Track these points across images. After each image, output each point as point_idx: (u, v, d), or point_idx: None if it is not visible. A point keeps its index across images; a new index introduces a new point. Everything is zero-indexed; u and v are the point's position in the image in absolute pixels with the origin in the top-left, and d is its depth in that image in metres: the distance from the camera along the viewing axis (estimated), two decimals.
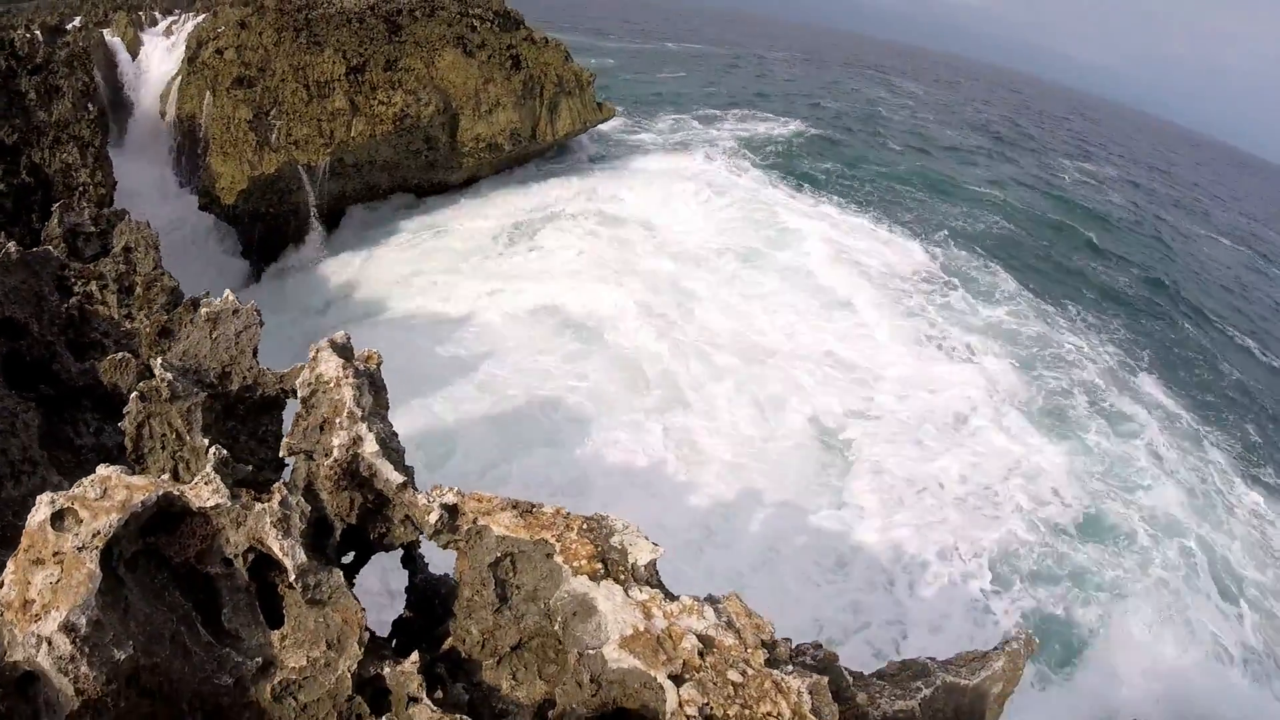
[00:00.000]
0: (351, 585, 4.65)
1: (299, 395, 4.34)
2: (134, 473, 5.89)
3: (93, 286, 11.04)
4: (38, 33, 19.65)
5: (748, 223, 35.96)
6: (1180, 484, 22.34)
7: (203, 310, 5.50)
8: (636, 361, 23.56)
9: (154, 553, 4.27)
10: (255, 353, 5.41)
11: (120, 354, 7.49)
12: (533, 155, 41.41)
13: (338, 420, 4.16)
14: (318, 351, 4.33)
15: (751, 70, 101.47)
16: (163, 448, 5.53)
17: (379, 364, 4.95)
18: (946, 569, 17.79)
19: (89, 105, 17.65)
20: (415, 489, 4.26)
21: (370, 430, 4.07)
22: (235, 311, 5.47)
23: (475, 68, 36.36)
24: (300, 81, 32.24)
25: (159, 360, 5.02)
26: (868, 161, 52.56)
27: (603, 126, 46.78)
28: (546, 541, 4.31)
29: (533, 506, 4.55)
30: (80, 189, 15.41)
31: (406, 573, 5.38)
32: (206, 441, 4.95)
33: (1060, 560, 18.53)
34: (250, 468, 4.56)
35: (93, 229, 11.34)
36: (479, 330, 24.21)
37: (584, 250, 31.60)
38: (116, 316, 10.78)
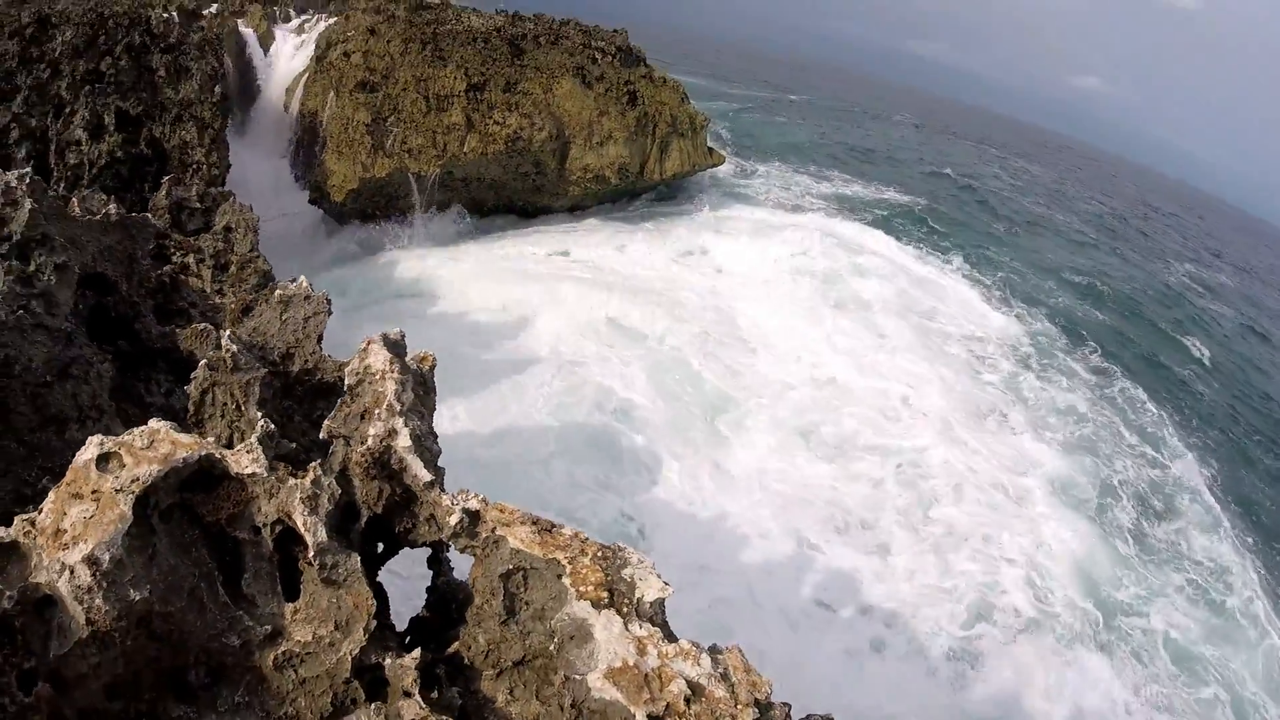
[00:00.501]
0: (375, 575, 4.83)
1: (346, 383, 4.56)
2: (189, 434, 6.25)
3: (190, 259, 11.65)
4: (175, 14, 20.80)
5: (829, 279, 35.90)
6: None
7: (277, 292, 5.81)
8: (705, 392, 23.72)
9: (189, 509, 4.50)
10: (320, 339, 5.68)
11: (203, 325, 7.90)
12: (639, 191, 42.02)
13: (377, 411, 4.35)
14: (369, 344, 4.56)
15: (867, 130, 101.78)
16: (221, 416, 5.84)
17: (432, 366, 5.17)
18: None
19: (214, 89, 18.59)
20: (442, 489, 4.42)
21: (406, 425, 4.25)
22: (306, 297, 5.76)
23: (592, 99, 37.16)
24: (421, 93, 33.44)
25: (228, 332, 5.31)
26: (970, 231, 52.17)
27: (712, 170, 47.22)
28: (559, 562, 4.42)
29: (553, 526, 4.66)
30: (194, 166, 16.24)
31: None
32: (260, 414, 5.20)
33: None
34: (295, 445, 4.79)
35: (198, 205, 11.96)
36: (550, 346, 24.61)
37: (669, 284, 31.87)
38: (208, 290, 11.35)
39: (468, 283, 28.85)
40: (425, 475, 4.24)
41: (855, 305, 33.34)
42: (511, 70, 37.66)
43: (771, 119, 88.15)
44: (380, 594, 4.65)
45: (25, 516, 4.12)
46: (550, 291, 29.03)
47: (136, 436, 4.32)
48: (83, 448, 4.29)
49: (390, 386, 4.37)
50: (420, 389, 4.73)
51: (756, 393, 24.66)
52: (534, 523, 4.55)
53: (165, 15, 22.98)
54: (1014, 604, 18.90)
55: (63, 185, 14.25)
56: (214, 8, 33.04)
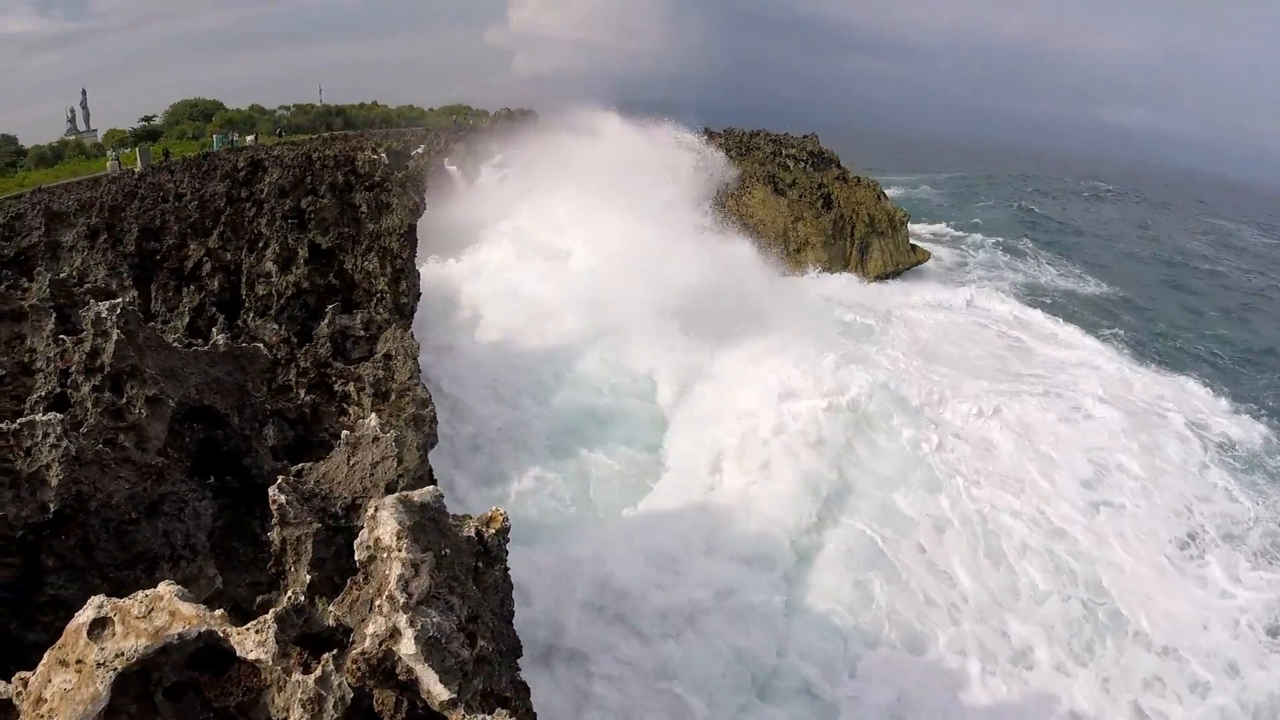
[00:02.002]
0: None
1: (356, 558, 3.75)
2: (267, 589, 5.64)
3: (350, 387, 11.59)
4: (383, 155, 22.06)
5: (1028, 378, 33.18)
6: None
7: (344, 434, 5.19)
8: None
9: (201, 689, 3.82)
10: (389, 488, 4.96)
11: (309, 465, 7.51)
12: None
13: (378, 602, 3.49)
14: (376, 510, 3.73)
15: (1063, 205, 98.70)
16: (294, 567, 5.22)
17: (502, 530, 4.30)
18: None
19: (410, 222, 19.32)
20: (472, 709, 3.38)
21: (414, 624, 3.33)
22: (375, 440, 5.09)
23: (785, 205, 36.85)
24: None
25: (280, 480, 4.69)
26: (1177, 326, 46.92)
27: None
28: None
29: None
30: (378, 295, 16.65)
31: None
32: (309, 579, 4.50)
33: None
34: (331, 620, 4.00)
35: (362, 333, 12.00)
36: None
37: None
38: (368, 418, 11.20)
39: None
40: (442, 692, 3.26)
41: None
42: None
43: (968, 204, 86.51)
44: None
45: (22, 675, 3.73)
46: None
47: (137, 602, 3.71)
48: (83, 607, 3.75)
49: (394, 570, 3.49)
50: (463, 566, 3.84)
51: None
52: None
53: (374, 156, 24.58)
54: None
55: (251, 315, 14.91)
56: (421, 148, 35.45)
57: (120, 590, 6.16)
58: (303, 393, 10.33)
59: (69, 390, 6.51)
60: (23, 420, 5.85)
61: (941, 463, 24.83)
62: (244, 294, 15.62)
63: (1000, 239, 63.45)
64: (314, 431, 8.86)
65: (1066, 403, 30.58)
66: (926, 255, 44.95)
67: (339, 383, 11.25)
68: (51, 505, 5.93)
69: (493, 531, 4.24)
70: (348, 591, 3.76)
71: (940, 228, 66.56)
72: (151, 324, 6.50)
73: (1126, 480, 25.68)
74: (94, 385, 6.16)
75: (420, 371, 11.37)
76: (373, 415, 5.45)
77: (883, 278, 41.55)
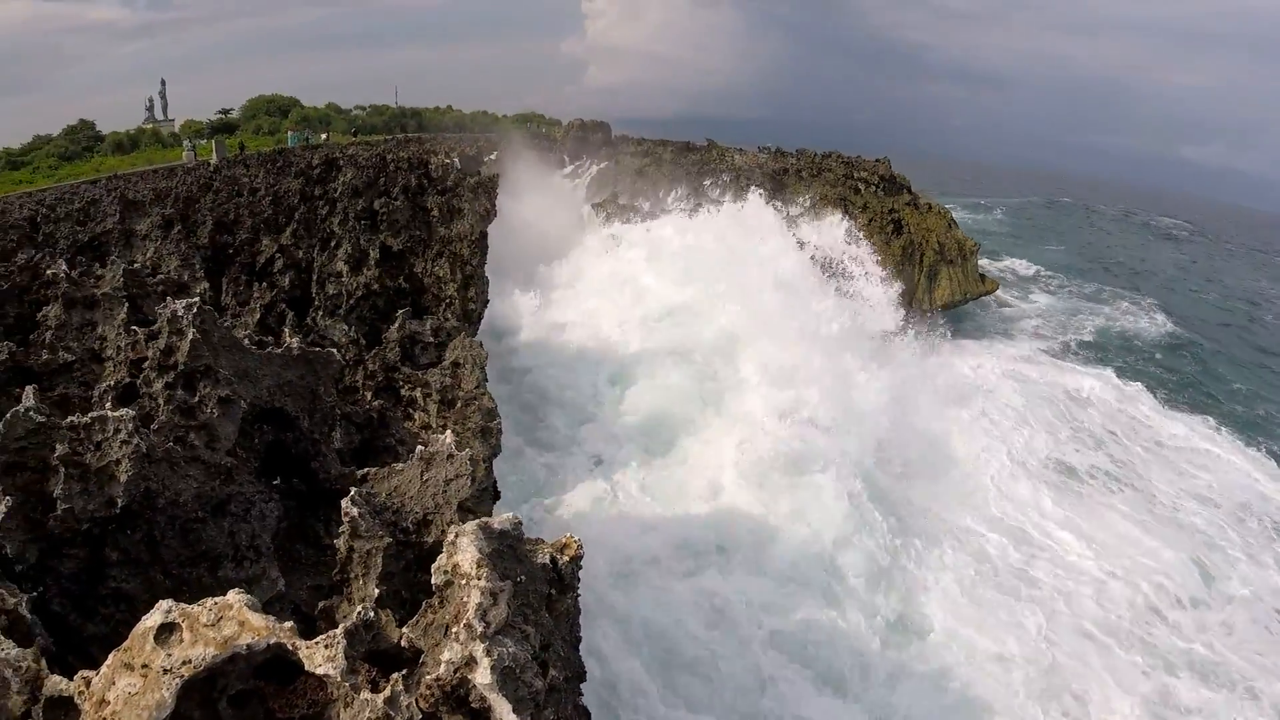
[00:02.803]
0: None
1: (433, 581, 3.64)
2: (328, 594, 5.59)
3: (418, 392, 11.60)
4: (455, 159, 22.29)
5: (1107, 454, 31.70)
6: None
7: (418, 449, 5.12)
8: None
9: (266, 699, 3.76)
10: (461, 505, 4.88)
11: (398, 466, 7.49)
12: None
13: (454, 630, 3.38)
14: (457, 536, 3.62)
15: (1139, 242, 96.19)
16: (362, 580, 5.16)
17: (575, 558, 4.17)
18: None
19: (480, 228, 19.46)
20: None
21: (490, 654, 3.22)
22: (449, 457, 5.02)
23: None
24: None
25: (354, 492, 4.63)
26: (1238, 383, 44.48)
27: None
28: None
29: None
30: (447, 301, 16.77)
31: None
32: (377, 593, 4.42)
33: None
34: (400, 639, 3.90)
35: (431, 339, 12.03)
36: None
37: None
38: (433, 424, 11.20)
39: None
40: None
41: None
42: None
43: (1038, 237, 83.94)
44: None
45: (85, 674, 3.74)
46: None
47: (205, 610, 3.67)
48: (150, 611, 3.72)
49: (473, 599, 3.38)
50: (538, 594, 3.73)
51: None
52: None
53: (447, 161, 24.88)
54: None
55: (321, 313, 15.07)
56: (494, 155, 35.74)
57: (183, 586, 6.21)
58: (369, 396, 10.36)
59: (140, 385, 6.54)
60: (94, 415, 5.89)
61: None
62: (314, 292, 15.82)
63: (1071, 278, 61.67)
64: (380, 436, 8.85)
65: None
66: (995, 285, 44.10)
67: (406, 388, 11.27)
68: (119, 500, 5.95)
69: (566, 559, 4.12)
70: (422, 614, 3.67)
71: (1010, 262, 64.92)
72: (223, 319, 6.51)
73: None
74: (166, 383, 6.19)
75: (487, 380, 11.35)
76: (448, 432, 5.39)
77: (949, 306, 40.88)
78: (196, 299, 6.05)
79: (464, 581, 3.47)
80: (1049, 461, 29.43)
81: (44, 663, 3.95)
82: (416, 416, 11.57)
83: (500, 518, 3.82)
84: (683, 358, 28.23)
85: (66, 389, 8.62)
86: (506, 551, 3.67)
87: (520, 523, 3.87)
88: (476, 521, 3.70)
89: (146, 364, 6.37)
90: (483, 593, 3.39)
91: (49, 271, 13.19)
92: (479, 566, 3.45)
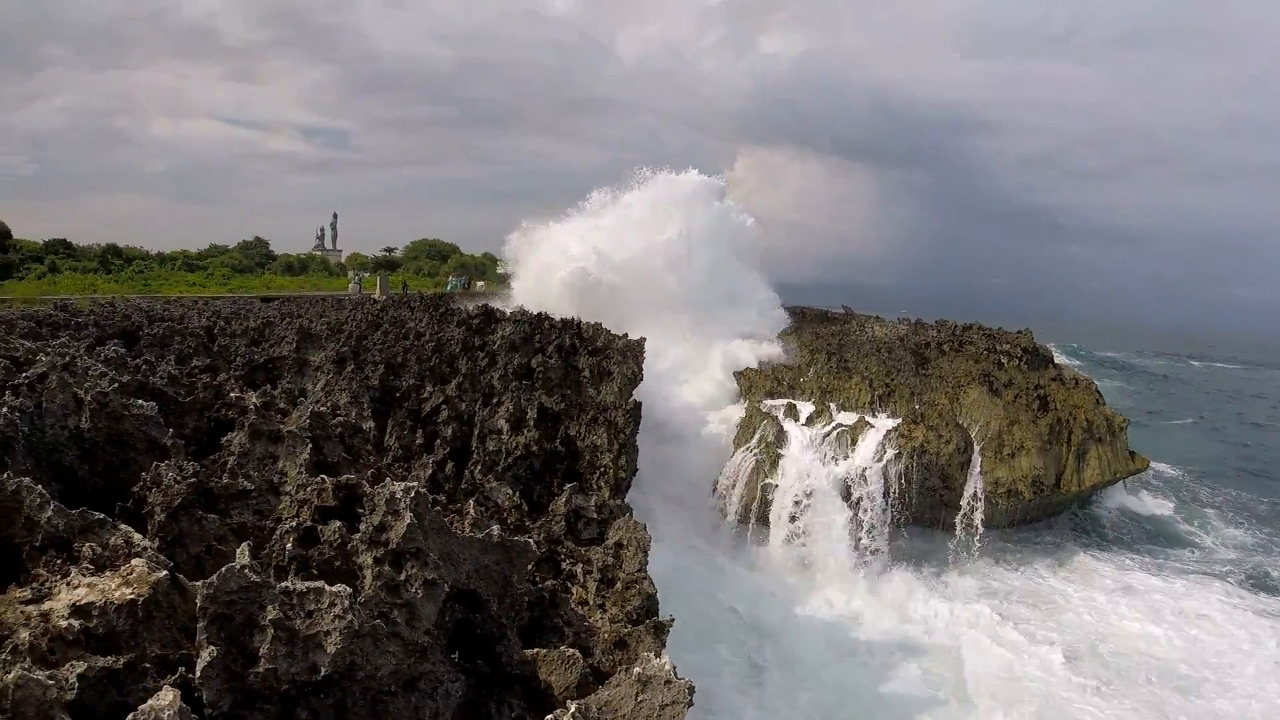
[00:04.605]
0: None
1: None
2: None
3: (579, 568, 11.71)
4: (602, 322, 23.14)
5: None
6: None
7: (635, 669, 5.16)
8: None
9: None
10: None
11: (570, 651, 7.51)
12: (1053, 508, 38.11)
13: None
14: None
15: None
16: None
17: None
18: None
19: (631, 393, 19.95)
20: None
21: None
22: (667, 682, 5.03)
23: (1000, 407, 35.33)
24: (825, 403, 34.25)
25: (573, 706, 4.69)
26: None
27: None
28: None
29: None
30: (602, 469, 17.10)
31: None
32: None
33: None
34: None
35: (594, 515, 12.20)
36: None
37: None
38: (590, 600, 11.23)
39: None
40: None
41: None
42: (916, 380, 37.44)
43: (1177, 408, 75.74)
44: None
45: None
46: None
47: None
48: None
49: None
50: None
51: None
52: None
53: (594, 323, 25.80)
54: None
55: (479, 468, 15.49)
56: None
57: None
58: (538, 574, 10.51)
59: (350, 555, 6.83)
60: (311, 585, 6.17)
61: None
62: (474, 445, 16.34)
63: (1209, 477, 51.80)
64: (549, 615, 8.92)
65: None
66: (1145, 463, 41.52)
67: (567, 562, 11.39)
68: (323, 669, 6.16)
69: None
70: None
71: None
72: (435, 505, 6.80)
73: None
74: (376, 557, 6.46)
75: (648, 564, 11.37)
76: (665, 657, 5.41)
77: (1098, 486, 38.92)
78: (414, 484, 6.37)
79: None
80: None
81: None
82: (574, 591, 11.63)
83: None
84: None
85: (242, 516, 9.08)
86: None
87: None
88: None
89: (358, 540, 6.68)
90: None
91: (232, 395, 14.08)
92: None
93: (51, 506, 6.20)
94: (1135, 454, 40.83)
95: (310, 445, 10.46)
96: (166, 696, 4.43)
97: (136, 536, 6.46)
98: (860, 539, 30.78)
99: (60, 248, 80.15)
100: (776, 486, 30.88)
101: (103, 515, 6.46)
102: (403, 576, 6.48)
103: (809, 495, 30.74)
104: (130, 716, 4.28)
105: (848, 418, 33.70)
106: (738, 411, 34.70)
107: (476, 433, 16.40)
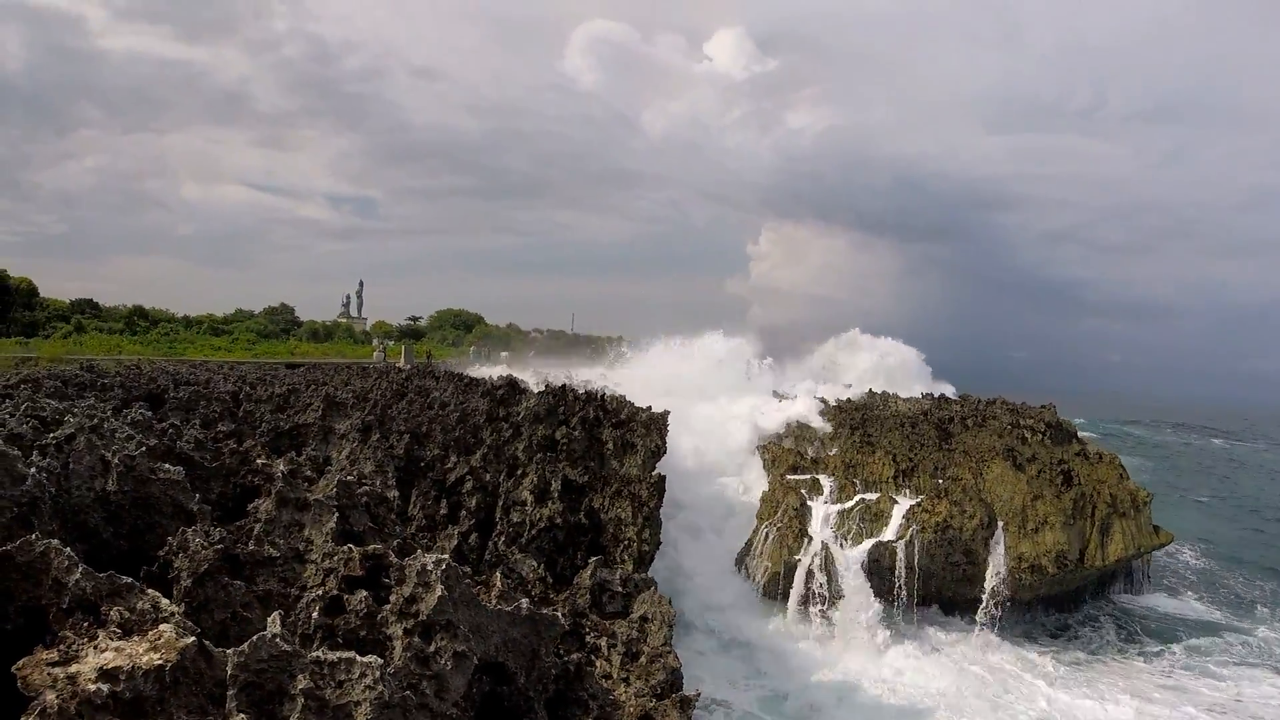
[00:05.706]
0: None
1: None
2: None
3: (603, 641, 11.53)
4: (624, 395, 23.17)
5: None
6: None
7: None
8: None
9: None
10: None
11: None
12: (1076, 583, 37.23)
13: None
14: None
15: None
16: None
17: None
18: None
19: (654, 466, 19.86)
20: None
21: None
22: None
23: (1024, 482, 34.78)
24: (849, 478, 33.83)
25: None
26: None
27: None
28: None
29: None
30: (625, 543, 16.97)
31: None
32: None
33: None
34: None
35: (619, 589, 12.07)
36: None
37: None
38: (614, 674, 11.03)
39: None
40: None
41: None
42: (939, 455, 37.09)
43: (1196, 484, 73.29)
44: None
45: None
46: None
47: None
48: None
49: None
50: None
51: None
52: None
53: (617, 395, 25.80)
54: None
55: (503, 540, 15.41)
56: None
57: None
58: (562, 647, 10.35)
59: (381, 631, 6.74)
60: (342, 656, 6.08)
61: None
62: (498, 517, 16.26)
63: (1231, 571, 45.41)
64: (574, 689, 8.76)
65: None
66: (1170, 537, 40.52)
67: (591, 635, 11.23)
68: None
69: None
70: None
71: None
72: (466, 578, 6.73)
73: None
74: (406, 629, 6.38)
75: (673, 638, 11.18)
76: None
77: (1122, 560, 38.08)
78: (445, 556, 6.32)
79: None
80: None
81: None
82: (599, 665, 11.44)
83: None
84: None
85: (268, 583, 8.99)
86: None
87: None
88: None
89: (387, 612, 6.60)
90: None
91: (259, 461, 14.07)
92: None
93: (80, 569, 6.16)
94: (1159, 528, 40.03)
95: (337, 514, 10.41)
96: None
97: (164, 601, 6.39)
98: (884, 613, 30.25)
99: (87, 307, 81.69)
100: (800, 561, 30.47)
101: (130, 579, 6.41)
102: (432, 648, 6.39)
103: (832, 570, 30.32)
104: None
105: (871, 494, 33.42)
106: (761, 482, 34.48)
107: (501, 504, 16.33)
